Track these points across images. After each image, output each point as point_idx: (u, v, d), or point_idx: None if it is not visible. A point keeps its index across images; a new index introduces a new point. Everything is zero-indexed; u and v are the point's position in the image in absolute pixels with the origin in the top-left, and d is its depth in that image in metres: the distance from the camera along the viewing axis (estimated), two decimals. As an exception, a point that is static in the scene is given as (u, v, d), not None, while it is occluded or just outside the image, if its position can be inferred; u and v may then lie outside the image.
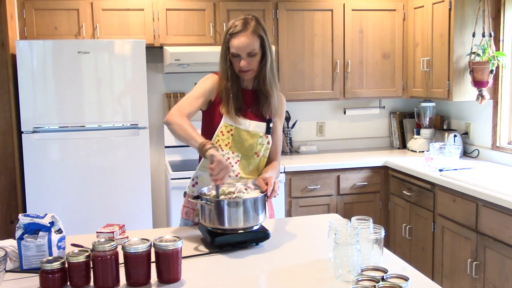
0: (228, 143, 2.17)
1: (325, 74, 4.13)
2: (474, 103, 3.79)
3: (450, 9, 3.59)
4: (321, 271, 1.66)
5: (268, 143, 2.23)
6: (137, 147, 3.56)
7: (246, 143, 2.17)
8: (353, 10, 4.11)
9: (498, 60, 3.46)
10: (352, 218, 1.75)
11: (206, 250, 1.87)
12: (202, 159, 2.22)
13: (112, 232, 1.93)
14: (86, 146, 3.49)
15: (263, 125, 2.20)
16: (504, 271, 2.71)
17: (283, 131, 4.23)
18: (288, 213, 3.81)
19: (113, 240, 1.56)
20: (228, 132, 2.16)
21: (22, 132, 3.39)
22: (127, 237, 1.93)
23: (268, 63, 2.13)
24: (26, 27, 3.62)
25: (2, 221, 3.49)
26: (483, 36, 3.51)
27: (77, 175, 3.48)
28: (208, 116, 2.22)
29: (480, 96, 3.53)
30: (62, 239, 1.73)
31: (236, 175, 2.19)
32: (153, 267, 1.59)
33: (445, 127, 4.27)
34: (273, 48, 3.94)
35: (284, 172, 3.76)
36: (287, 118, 4.34)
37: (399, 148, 4.52)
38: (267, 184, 2.01)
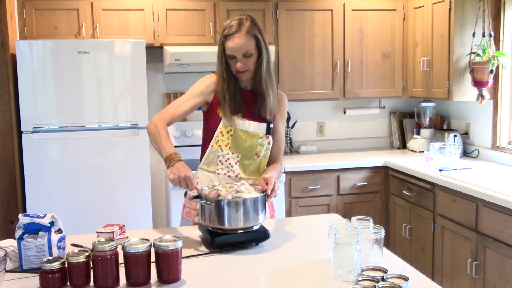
0: (228, 143, 2.17)
1: (325, 74, 4.13)
2: (474, 103, 3.79)
3: (450, 9, 3.59)
4: (321, 271, 1.66)
5: (269, 143, 2.23)
6: (137, 147, 3.56)
7: (245, 144, 2.17)
8: (353, 10, 4.11)
9: (498, 60, 3.46)
10: (352, 218, 1.75)
11: (206, 250, 1.87)
12: (203, 158, 2.23)
13: (112, 232, 1.93)
14: (86, 146, 3.49)
15: (263, 125, 2.20)
16: (504, 271, 2.71)
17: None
18: (288, 213, 3.81)
19: (113, 240, 1.56)
20: (227, 132, 2.16)
21: (22, 132, 3.39)
22: (127, 237, 1.93)
23: (263, 63, 2.12)
24: (26, 27, 3.62)
25: (2, 221, 3.49)
26: (483, 36, 3.51)
27: (77, 175, 3.48)
28: (207, 117, 2.23)
29: (480, 96, 3.53)
30: (62, 239, 1.73)
31: (236, 176, 2.19)
32: (153, 267, 1.59)
33: (445, 127, 4.27)
34: (273, 48, 3.94)
35: (284, 172, 3.76)
36: (287, 118, 4.34)
37: (399, 148, 4.52)
38: (267, 184, 2.01)
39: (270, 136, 2.23)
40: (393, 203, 3.90)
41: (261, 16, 3.92)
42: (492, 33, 3.51)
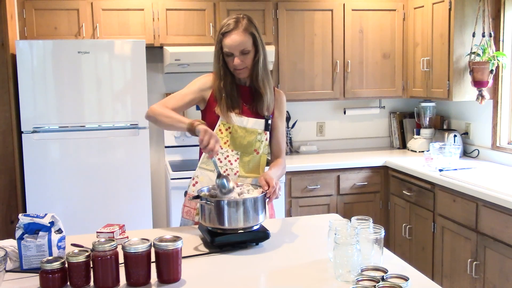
0: (227, 141, 2.18)
1: (325, 74, 4.13)
2: (474, 103, 3.79)
3: (450, 9, 3.59)
4: (321, 271, 1.66)
5: (267, 139, 2.24)
6: (137, 147, 3.56)
7: (244, 140, 2.18)
8: (353, 10, 4.11)
9: (498, 60, 3.46)
10: (352, 218, 1.75)
11: (206, 250, 1.87)
12: (201, 157, 2.23)
13: (112, 232, 1.92)
14: (86, 146, 3.49)
15: (261, 121, 2.21)
16: (504, 271, 2.71)
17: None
18: (288, 213, 3.81)
19: (113, 240, 1.56)
20: (226, 130, 2.17)
21: (22, 132, 3.39)
22: (127, 237, 1.93)
23: (261, 60, 2.14)
24: (26, 27, 3.62)
25: (2, 221, 3.49)
26: (483, 36, 3.51)
27: (77, 175, 3.48)
28: (205, 115, 2.24)
29: (480, 96, 3.53)
30: (62, 239, 1.73)
31: (235, 174, 2.19)
32: (153, 267, 1.59)
33: (445, 127, 4.27)
34: (273, 48, 3.94)
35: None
36: (287, 118, 4.34)
37: (399, 148, 4.52)
38: (268, 184, 2.00)
39: (268, 133, 2.24)
40: (393, 203, 3.90)
41: (261, 16, 3.92)
42: (492, 33, 3.51)
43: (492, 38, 3.51)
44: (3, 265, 1.51)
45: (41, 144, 3.42)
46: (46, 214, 1.71)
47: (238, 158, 2.20)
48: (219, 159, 2.19)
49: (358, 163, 3.93)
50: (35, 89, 3.38)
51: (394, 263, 1.74)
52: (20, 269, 1.68)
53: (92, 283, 1.55)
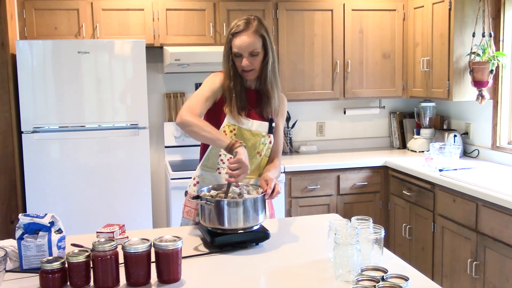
0: None
1: (325, 74, 4.13)
2: (474, 103, 3.79)
3: (450, 9, 3.59)
4: (321, 271, 1.66)
5: (270, 142, 2.24)
6: (137, 147, 3.56)
7: (248, 143, 2.18)
8: (353, 10, 4.11)
9: (498, 60, 3.46)
10: (352, 218, 1.75)
11: (206, 250, 1.87)
12: (203, 158, 2.23)
13: (112, 232, 1.93)
14: (86, 146, 3.49)
15: (265, 124, 2.21)
16: (504, 271, 2.71)
17: (283, 131, 4.23)
18: (288, 213, 3.81)
19: (113, 240, 1.56)
20: (231, 131, 2.16)
21: (22, 132, 3.39)
22: (127, 237, 1.93)
23: (269, 63, 2.13)
24: (26, 27, 3.62)
25: (2, 221, 3.49)
26: (483, 36, 3.51)
27: (77, 175, 3.48)
28: (211, 114, 2.21)
29: (480, 96, 3.53)
30: (62, 239, 1.73)
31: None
32: (153, 267, 1.59)
33: (445, 127, 4.27)
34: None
35: (284, 172, 3.76)
36: (287, 118, 4.34)
37: (399, 148, 4.52)
38: (267, 185, 2.00)
39: (271, 135, 2.23)
40: (393, 203, 3.90)
41: (261, 16, 3.91)
42: (492, 33, 3.51)
43: (492, 38, 3.51)
44: (3, 265, 1.51)
45: (41, 144, 3.42)
46: (46, 214, 1.71)
47: None
48: (221, 160, 2.19)
49: (358, 163, 3.93)
50: (35, 89, 3.38)
51: (394, 263, 1.74)
52: (20, 269, 1.68)
53: (92, 283, 1.55)
